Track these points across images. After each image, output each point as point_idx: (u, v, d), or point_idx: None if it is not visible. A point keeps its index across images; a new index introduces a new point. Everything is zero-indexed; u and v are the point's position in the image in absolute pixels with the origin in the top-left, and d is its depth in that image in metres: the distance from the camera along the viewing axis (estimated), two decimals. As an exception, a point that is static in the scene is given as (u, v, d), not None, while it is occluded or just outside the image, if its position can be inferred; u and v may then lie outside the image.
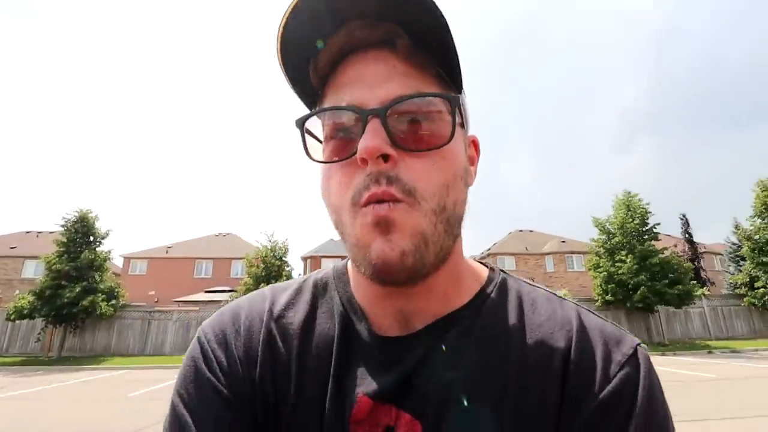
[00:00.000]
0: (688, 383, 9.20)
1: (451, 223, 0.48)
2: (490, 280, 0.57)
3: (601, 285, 19.61)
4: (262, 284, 18.36)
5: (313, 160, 0.50)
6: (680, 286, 17.89)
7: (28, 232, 35.67)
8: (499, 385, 0.47)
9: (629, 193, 20.48)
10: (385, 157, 0.44)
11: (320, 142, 0.50)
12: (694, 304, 19.56)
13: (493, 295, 0.55)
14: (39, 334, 17.46)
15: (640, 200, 20.18)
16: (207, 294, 25.42)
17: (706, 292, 21.66)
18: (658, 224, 19.79)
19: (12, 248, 32.46)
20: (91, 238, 18.60)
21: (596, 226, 20.84)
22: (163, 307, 19.88)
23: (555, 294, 0.57)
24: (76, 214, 18.44)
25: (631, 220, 19.57)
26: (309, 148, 0.50)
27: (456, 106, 0.47)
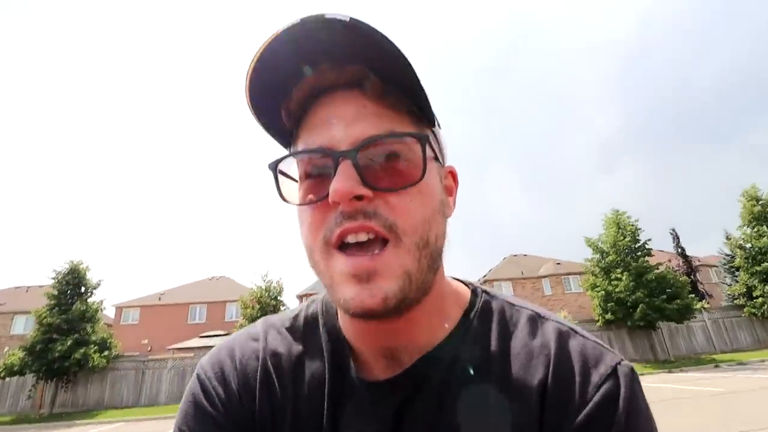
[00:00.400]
0: (697, 399, 9.06)
1: (434, 257, 0.48)
2: (471, 305, 0.57)
3: (600, 305, 19.52)
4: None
5: (287, 202, 0.50)
6: (679, 301, 17.87)
7: (17, 288, 34.85)
8: (482, 424, 0.48)
9: (617, 211, 20.72)
10: (359, 198, 0.44)
11: (291, 178, 0.51)
12: (695, 318, 19.48)
13: (475, 322, 0.55)
14: (30, 390, 16.83)
15: (628, 217, 20.41)
16: (202, 339, 24.77)
17: (706, 305, 21.62)
18: (650, 240, 19.97)
19: (0, 305, 31.65)
20: (83, 289, 18.31)
21: (589, 246, 20.95)
22: (158, 356, 19.32)
23: (538, 314, 0.55)
24: (67, 266, 18.23)
25: (622, 237, 19.71)
26: (283, 191, 0.50)
27: (426, 143, 0.47)
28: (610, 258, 19.77)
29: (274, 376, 0.56)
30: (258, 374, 0.56)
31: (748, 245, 20.43)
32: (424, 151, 0.47)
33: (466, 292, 0.59)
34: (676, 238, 33.73)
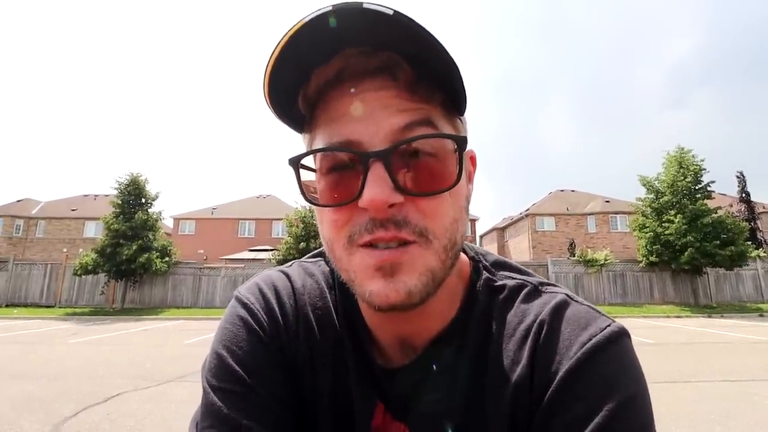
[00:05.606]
0: (734, 345, 8.96)
1: (457, 254, 0.48)
2: (473, 282, 0.56)
3: (646, 246, 18.94)
4: (302, 243, 19.03)
5: (310, 202, 0.47)
6: (733, 247, 17.02)
7: (86, 195, 38.14)
8: (482, 403, 0.48)
9: (682, 149, 19.21)
10: (391, 205, 0.42)
11: (312, 170, 0.47)
12: (748, 265, 18.64)
13: (478, 302, 0.54)
14: (103, 287, 19.13)
15: (693, 156, 18.94)
16: (251, 252, 26.66)
17: (762, 254, 20.49)
18: (713, 182, 18.64)
19: (73, 210, 34.94)
20: (143, 200, 19.69)
21: (643, 185, 19.88)
22: (212, 264, 21.06)
23: (537, 286, 0.55)
24: (128, 178, 19.50)
25: (683, 177, 18.48)
26: (305, 188, 0.47)
27: (464, 146, 0.44)
28: (665, 199, 18.75)
29: (315, 329, 0.56)
30: (300, 319, 0.56)
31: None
32: (461, 155, 0.44)
33: (468, 267, 0.58)
34: (742, 181, 31.12)
